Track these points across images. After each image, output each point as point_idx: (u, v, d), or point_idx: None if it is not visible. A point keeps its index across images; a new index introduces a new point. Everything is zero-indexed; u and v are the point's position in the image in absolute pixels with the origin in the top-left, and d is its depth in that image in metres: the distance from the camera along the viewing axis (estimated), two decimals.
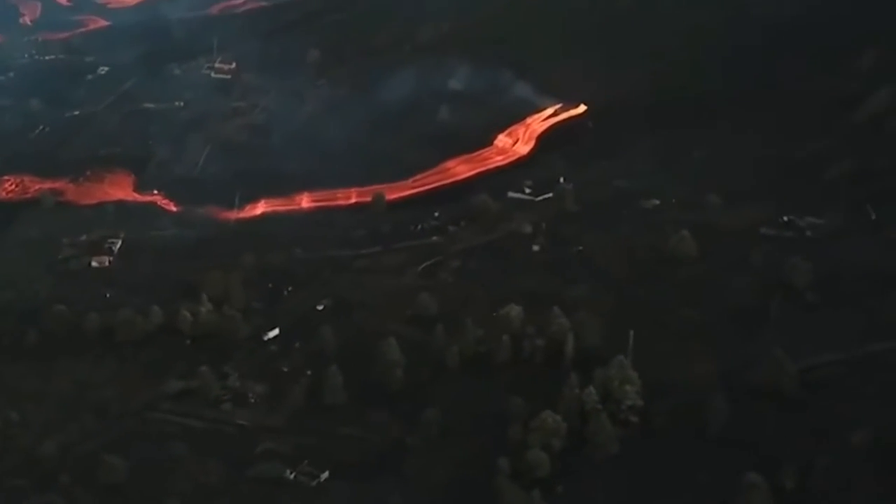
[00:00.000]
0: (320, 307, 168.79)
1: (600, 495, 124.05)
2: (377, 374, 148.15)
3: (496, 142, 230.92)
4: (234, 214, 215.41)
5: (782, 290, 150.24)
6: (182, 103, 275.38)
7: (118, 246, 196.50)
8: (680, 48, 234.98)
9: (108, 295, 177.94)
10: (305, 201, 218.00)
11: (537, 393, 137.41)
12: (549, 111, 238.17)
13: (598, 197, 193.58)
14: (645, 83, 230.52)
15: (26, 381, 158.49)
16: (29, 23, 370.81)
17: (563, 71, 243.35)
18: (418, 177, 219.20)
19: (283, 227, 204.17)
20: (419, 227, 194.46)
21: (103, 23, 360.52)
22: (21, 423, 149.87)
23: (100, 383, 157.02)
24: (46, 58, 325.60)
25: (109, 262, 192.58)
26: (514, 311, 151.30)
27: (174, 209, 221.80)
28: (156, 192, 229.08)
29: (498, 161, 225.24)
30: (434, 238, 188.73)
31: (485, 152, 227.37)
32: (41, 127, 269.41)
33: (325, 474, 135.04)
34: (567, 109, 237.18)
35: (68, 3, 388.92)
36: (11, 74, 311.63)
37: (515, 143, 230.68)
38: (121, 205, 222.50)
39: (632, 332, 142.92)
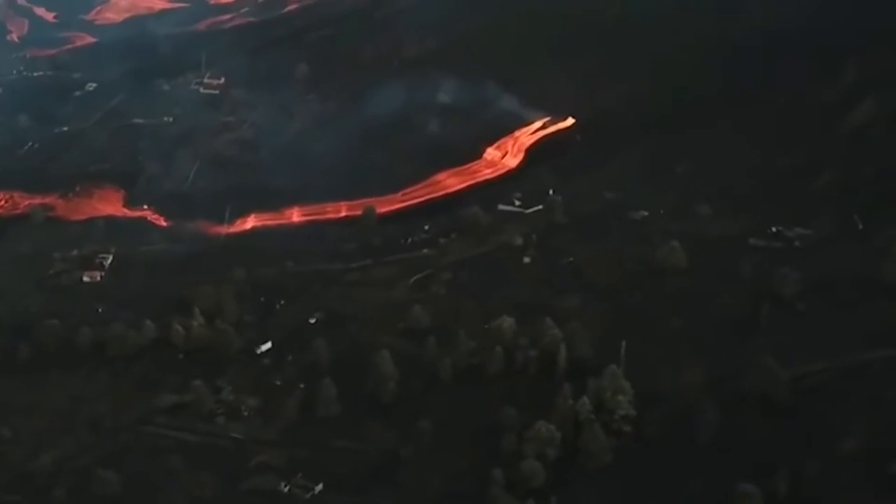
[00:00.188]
0: (312, 320, 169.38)
1: None
2: (370, 387, 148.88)
3: (485, 155, 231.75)
4: (225, 229, 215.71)
5: (772, 300, 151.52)
6: (171, 119, 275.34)
7: (109, 261, 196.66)
8: (666, 61, 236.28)
9: (100, 309, 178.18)
10: (296, 215, 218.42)
11: (530, 404, 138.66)
12: (538, 124, 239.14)
13: (588, 209, 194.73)
14: (632, 95, 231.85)
15: (19, 396, 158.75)
16: (16, 39, 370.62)
17: (551, 84, 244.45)
18: (408, 190, 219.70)
19: (273, 241, 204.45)
20: (410, 240, 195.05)
21: (90, 39, 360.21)
22: (14, 439, 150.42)
23: (93, 398, 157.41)
24: (34, 74, 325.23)
25: (101, 276, 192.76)
26: (507, 322, 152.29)
27: (164, 224, 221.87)
28: (146, 207, 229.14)
29: (487, 174, 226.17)
30: (425, 251, 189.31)
31: (474, 165, 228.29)
32: (30, 143, 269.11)
33: (320, 487, 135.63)
34: (555, 122, 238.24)
35: (55, 20, 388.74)
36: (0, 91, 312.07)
37: (504, 155, 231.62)
38: (111, 220, 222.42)
39: (624, 343, 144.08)
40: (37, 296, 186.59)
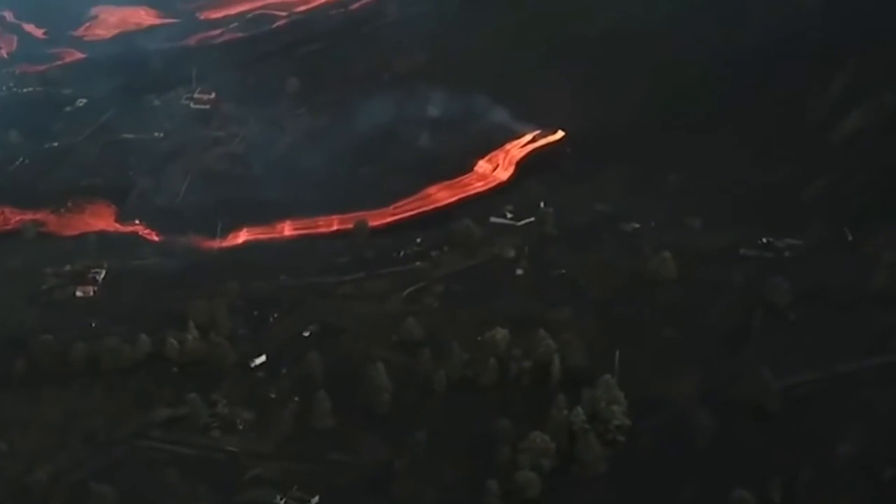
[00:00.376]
0: (306, 333, 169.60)
1: None
2: (365, 399, 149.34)
3: (476, 168, 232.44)
4: (217, 243, 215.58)
5: (763, 309, 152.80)
6: (162, 134, 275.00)
7: (102, 276, 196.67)
8: (654, 73, 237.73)
9: (93, 324, 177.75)
10: (287, 229, 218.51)
11: (525, 414, 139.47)
12: (528, 137, 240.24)
13: (579, 221, 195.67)
14: (621, 108, 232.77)
15: (14, 411, 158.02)
16: (5, 55, 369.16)
17: (541, 97, 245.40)
18: (400, 203, 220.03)
19: (266, 254, 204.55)
20: (402, 252, 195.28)
21: (80, 55, 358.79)
22: (9, 453, 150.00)
23: (88, 412, 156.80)
24: (24, 90, 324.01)
25: (94, 291, 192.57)
26: (500, 333, 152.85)
27: (156, 239, 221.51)
28: (137, 221, 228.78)
29: (478, 187, 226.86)
30: (417, 263, 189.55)
31: (465, 178, 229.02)
32: (21, 159, 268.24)
33: (315, 499, 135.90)
34: (545, 135, 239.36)
35: (44, 37, 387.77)
36: None
37: (495, 168, 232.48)
38: (103, 235, 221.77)
39: (618, 353, 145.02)
40: (30, 311, 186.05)
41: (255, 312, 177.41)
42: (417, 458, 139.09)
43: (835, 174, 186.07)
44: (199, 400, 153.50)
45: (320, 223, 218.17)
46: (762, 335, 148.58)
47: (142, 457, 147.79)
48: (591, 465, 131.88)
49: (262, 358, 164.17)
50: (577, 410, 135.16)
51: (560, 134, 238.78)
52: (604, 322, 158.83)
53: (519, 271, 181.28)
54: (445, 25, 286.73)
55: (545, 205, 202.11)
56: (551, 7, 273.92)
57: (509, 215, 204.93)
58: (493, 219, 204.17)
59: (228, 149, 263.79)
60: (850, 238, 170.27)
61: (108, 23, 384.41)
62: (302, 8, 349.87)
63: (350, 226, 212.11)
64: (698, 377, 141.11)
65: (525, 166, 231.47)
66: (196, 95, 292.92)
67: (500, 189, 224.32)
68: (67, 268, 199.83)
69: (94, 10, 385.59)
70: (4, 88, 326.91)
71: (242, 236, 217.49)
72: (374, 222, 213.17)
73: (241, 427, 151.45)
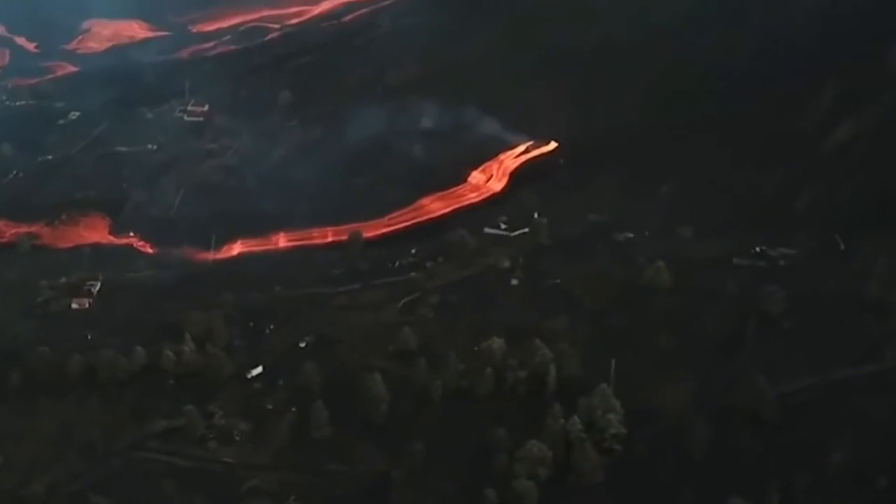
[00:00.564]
0: (302, 344, 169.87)
1: None
2: (361, 409, 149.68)
3: (470, 179, 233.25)
4: (212, 255, 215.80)
5: (757, 318, 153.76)
6: (155, 146, 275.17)
7: (97, 288, 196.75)
8: (647, 84, 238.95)
9: (89, 336, 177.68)
10: (282, 241, 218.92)
11: (521, 424, 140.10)
12: (521, 148, 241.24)
13: (573, 231, 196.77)
14: (614, 118, 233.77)
15: (10, 423, 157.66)
16: None
17: (534, 108, 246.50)
18: (394, 214, 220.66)
19: (260, 266, 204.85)
20: (397, 263, 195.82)
21: (72, 68, 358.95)
22: (6, 465, 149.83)
23: (84, 424, 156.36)
24: (17, 104, 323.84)
25: (89, 303, 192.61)
26: (496, 343, 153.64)
27: (151, 251, 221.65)
28: (132, 234, 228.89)
29: (472, 198, 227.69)
30: (412, 274, 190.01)
31: (459, 189, 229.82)
32: (14, 172, 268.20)
33: None
34: (538, 146, 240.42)
35: (37, 50, 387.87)
36: None
37: (489, 179, 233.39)
38: (97, 247, 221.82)
39: (613, 362, 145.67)
40: (26, 323, 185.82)
41: (251, 324, 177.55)
42: (414, 467, 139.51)
43: (827, 183, 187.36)
44: (195, 411, 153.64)
45: (315, 235, 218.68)
46: (756, 343, 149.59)
47: (139, 468, 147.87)
48: (587, 474, 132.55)
49: (259, 369, 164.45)
50: (574, 419, 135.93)
51: (553, 144, 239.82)
52: (599, 331, 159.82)
53: (514, 281, 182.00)
54: (438, 37, 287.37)
55: (539, 215, 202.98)
56: (543, 18, 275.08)
57: (503, 226, 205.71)
58: (487, 229, 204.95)
59: (222, 161, 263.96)
60: (842, 247, 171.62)
61: (101, 36, 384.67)
62: (294, 20, 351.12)
63: (344, 237, 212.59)
64: (693, 385, 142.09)
65: (518, 177, 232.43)
66: (189, 108, 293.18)
67: (494, 200, 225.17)
68: (62, 280, 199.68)
69: (86, 24, 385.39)
70: None
71: (237, 248, 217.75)
72: (369, 233, 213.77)
73: (237, 438, 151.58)
